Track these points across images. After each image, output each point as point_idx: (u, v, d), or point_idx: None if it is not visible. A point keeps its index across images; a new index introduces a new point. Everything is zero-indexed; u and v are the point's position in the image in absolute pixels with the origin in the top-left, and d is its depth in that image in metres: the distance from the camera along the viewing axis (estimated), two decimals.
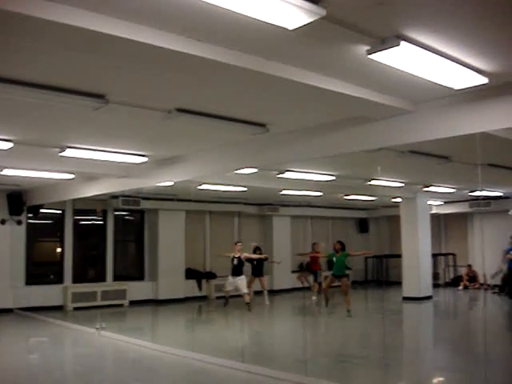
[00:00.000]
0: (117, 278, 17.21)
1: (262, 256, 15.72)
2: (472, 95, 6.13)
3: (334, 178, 12.58)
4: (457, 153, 10.02)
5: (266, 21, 4.03)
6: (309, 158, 8.67)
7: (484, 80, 5.59)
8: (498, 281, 18.08)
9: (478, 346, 9.47)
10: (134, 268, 18.24)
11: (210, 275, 18.67)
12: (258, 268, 15.99)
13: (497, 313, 15.19)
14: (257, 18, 3.98)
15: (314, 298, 17.05)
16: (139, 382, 7.70)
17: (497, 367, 8.32)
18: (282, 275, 20.13)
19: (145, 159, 9.87)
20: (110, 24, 4.20)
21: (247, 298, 14.42)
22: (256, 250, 15.98)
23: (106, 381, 8.15)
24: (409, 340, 11.84)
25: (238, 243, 15.08)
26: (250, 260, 15.36)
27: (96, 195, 12.93)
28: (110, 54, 4.84)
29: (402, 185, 14.97)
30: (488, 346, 9.55)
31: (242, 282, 14.44)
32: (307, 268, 18.11)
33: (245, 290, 14.43)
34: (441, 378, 8.42)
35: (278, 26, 4.12)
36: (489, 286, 19.11)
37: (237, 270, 14.57)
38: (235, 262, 14.58)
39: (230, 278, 14.65)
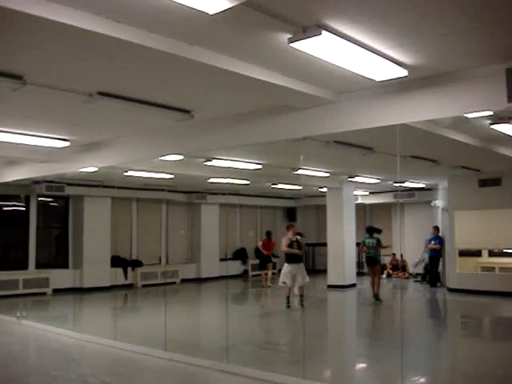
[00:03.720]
0: (40, 265, 16.78)
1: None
2: (393, 87, 6.25)
3: (260, 166, 12.62)
4: (380, 144, 10.22)
5: (187, 4, 3.97)
6: (233, 146, 8.66)
7: (404, 72, 5.71)
8: (420, 269, 18.63)
9: (396, 332, 9.72)
10: (57, 255, 17.83)
11: (137, 263, 18.50)
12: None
13: (418, 300, 15.67)
14: (177, 1, 3.92)
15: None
16: (59, 371, 7.55)
17: (414, 352, 8.58)
18: (210, 263, 20.15)
19: (67, 144, 9.61)
20: (25, 2, 4.05)
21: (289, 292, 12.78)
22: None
23: (25, 370, 7.94)
24: (331, 327, 12.05)
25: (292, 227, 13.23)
26: None
27: (17, 180, 12.54)
28: (26, 34, 4.66)
29: (328, 175, 15.18)
30: (406, 331, 9.83)
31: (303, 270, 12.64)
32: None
33: (307, 279, 12.67)
34: (361, 364, 8.62)
35: (199, 11, 4.07)
36: (411, 274, 19.69)
37: (296, 256, 12.71)
38: (295, 246, 12.70)
39: (287, 267, 12.65)
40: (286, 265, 12.72)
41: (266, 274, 17.63)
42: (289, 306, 12.77)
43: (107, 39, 4.58)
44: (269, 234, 18.29)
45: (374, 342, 9.92)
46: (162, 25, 4.63)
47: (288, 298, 12.78)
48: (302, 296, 12.67)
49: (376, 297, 14.09)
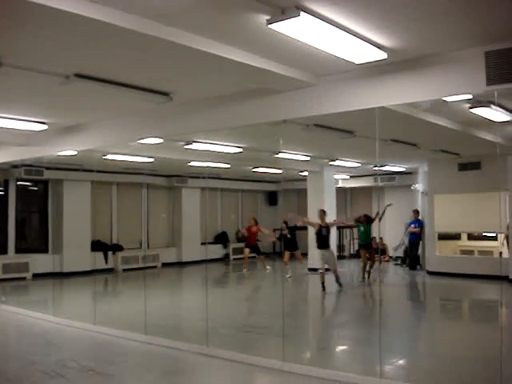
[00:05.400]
0: (19, 250, 16.64)
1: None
2: (372, 70, 6.25)
3: (241, 150, 12.59)
4: (360, 127, 10.21)
5: None
6: (213, 129, 8.58)
7: (383, 55, 5.70)
8: (400, 253, 18.76)
9: (376, 314, 9.81)
10: (37, 240, 17.69)
11: (117, 247, 18.43)
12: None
13: (397, 283, 15.78)
14: None
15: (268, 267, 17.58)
16: (39, 356, 7.51)
17: (392, 335, 8.65)
18: (191, 247, 20.13)
19: (45, 127, 9.51)
20: None
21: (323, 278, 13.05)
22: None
23: (4, 355, 7.95)
24: (312, 310, 12.11)
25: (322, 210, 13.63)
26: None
27: None
28: (2, 14, 4.56)
29: (309, 158, 15.19)
30: (385, 314, 9.91)
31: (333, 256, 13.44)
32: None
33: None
34: (340, 347, 8.69)
35: None
36: (390, 257, 19.82)
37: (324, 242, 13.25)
38: (323, 231, 13.15)
39: (321, 253, 13.18)
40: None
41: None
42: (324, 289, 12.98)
43: (83, 20, 4.51)
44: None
45: (352, 323, 10.00)
46: (139, 5, 4.57)
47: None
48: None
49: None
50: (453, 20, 4.95)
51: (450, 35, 5.35)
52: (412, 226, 17.61)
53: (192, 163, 14.64)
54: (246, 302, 13.24)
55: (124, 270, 18.04)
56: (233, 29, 5.10)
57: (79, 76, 6.59)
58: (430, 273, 15.92)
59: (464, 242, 16.50)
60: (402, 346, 8.24)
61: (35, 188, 17.88)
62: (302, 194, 20.24)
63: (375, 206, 21.14)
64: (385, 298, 12.15)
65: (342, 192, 20.89)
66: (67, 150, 10.57)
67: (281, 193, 23.93)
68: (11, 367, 7.26)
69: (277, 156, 13.42)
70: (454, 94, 6.64)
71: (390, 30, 5.15)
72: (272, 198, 24.08)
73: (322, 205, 17.21)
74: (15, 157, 11.69)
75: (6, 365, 7.38)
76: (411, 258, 17.68)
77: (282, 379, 6.58)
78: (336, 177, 18.81)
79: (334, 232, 17.87)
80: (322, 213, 13.45)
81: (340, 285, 13.19)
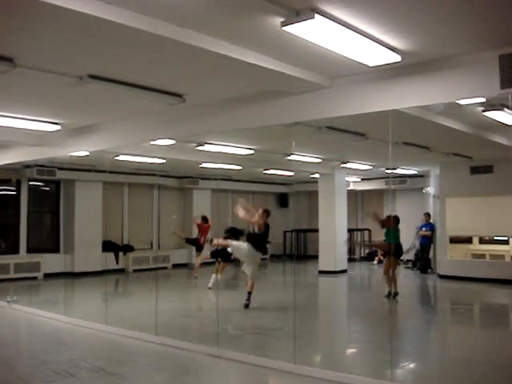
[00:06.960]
0: (31, 250, 16.72)
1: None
2: (386, 73, 6.24)
3: (252, 151, 12.59)
4: (372, 130, 10.20)
5: None
6: (225, 131, 8.61)
7: (397, 58, 5.70)
8: (411, 256, 18.67)
9: (387, 317, 9.77)
10: (48, 240, 17.77)
11: (128, 248, 18.48)
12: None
13: (409, 286, 15.71)
14: None
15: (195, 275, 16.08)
16: (50, 355, 7.52)
17: (404, 338, 8.62)
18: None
19: (58, 127, 9.55)
20: None
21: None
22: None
23: (16, 354, 7.94)
24: (323, 312, 12.08)
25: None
26: None
27: (8, 164, 12.46)
28: (16, 16, 4.61)
29: (320, 161, 15.16)
30: (396, 317, 9.87)
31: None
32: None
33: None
34: (350, 350, 8.65)
35: None
36: (401, 260, 19.72)
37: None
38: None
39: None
40: None
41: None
42: None
43: (96, 21, 4.53)
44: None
45: (365, 326, 9.97)
46: (153, 7, 4.59)
47: None
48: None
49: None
50: (467, 23, 4.94)
51: (464, 38, 5.34)
52: (423, 229, 17.53)
53: (203, 165, 14.66)
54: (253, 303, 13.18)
55: (134, 270, 18.08)
56: (247, 31, 5.11)
57: (93, 77, 6.62)
58: (441, 276, 15.84)
59: (475, 246, 16.43)
60: (413, 350, 8.19)
61: (47, 188, 17.96)
62: (312, 196, 20.23)
63: (387, 209, 21.10)
64: (395, 301, 12.10)
65: (353, 194, 20.86)
66: (80, 151, 10.62)
67: (292, 195, 23.92)
68: (23, 366, 7.27)
69: (288, 158, 13.42)
70: (468, 97, 6.63)
71: (404, 32, 5.15)
72: (283, 200, 24.05)
73: (333, 207, 17.24)
74: (28, 157, 11.75)
75: (18, 364, 7.39)
76: (422, 261, 17.60)
77: (292, 381, 6.58)
78: (347, 179, 18.78)
79: (344, 234, 17.89)
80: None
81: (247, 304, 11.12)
